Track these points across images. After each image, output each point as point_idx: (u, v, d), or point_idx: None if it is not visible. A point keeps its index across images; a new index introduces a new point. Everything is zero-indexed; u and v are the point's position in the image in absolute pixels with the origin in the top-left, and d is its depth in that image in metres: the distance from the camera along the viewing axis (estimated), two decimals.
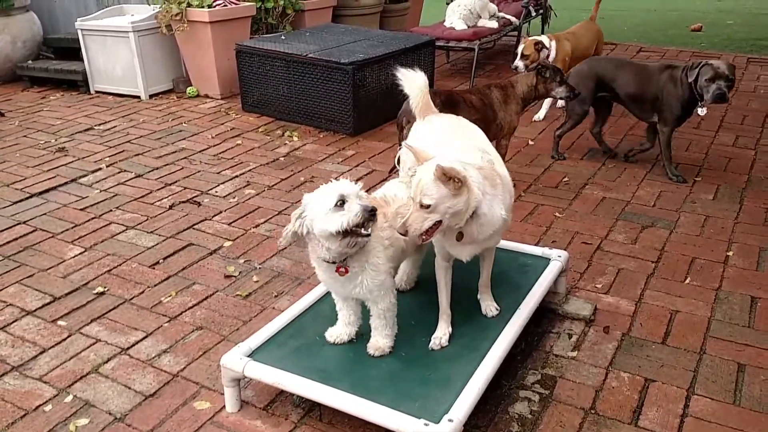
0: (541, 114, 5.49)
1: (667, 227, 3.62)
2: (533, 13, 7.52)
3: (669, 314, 2.86)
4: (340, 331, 2.40)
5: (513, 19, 7.13)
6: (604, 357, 2.59)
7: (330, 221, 1.99)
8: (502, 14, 7.06)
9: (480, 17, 6.80)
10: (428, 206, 1.98)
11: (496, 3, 7.46)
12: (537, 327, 2.76)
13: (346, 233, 2.00)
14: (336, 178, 2.14)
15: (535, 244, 3.26)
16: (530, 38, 5.27)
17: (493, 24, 6.83)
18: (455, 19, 6.72)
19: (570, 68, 4.96)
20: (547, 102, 5.45)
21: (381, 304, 2.25)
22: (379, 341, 2.32)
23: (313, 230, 2.05)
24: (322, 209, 2.01)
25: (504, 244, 3.00)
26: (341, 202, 2.00)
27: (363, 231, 2.02)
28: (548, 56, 5.26)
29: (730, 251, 3.35)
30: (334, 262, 2.13)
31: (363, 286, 2.16)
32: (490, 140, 2.67)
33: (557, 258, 2.83)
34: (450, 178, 1.96)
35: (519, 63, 5.11)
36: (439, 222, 2.02)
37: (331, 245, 2.05)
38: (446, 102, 3.69)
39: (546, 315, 2.83)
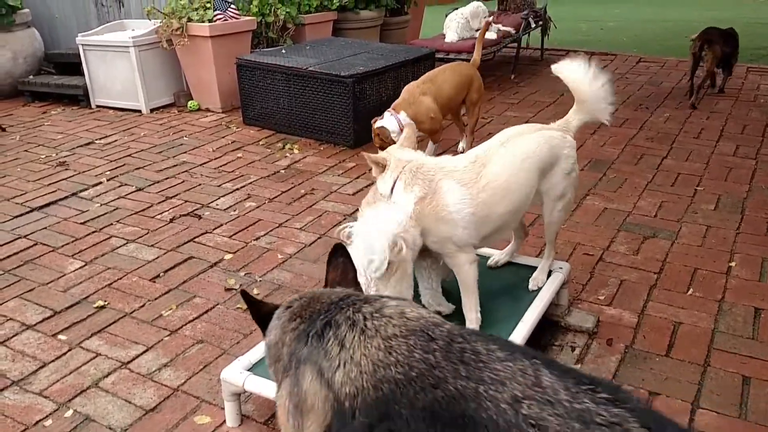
0: (464, 144, 4.94)
1: (669, 238, 3.61)
2: (533, 25, 7.57)
3: (672, 326, 2.84)
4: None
5: (512, 30, 7.17)
6: (608, 370, 2.57)
7: None
8: (500, 26, 7.10)
9: (478, 24, 6.82)
10: None
11: (495, 15, 7.52)
12: (539, 339, 2.74)
13: None
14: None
15: (537, 256, 3.25)
16: (375, 126, 4.45)
17: (492, 36, 6.85)
18: (450, 32, 6.76)
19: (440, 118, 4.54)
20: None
21: None
22: None
23: None
24: None
25: None
26: None
27: None
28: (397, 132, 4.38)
29: (733, 262, 3.34)
30: None
31: None
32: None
33: (558, 270, 2.82)
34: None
35: (382, 153, 4.73)
36: None
37: None
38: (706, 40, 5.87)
39: (548, 327, 2.82)
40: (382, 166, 2.42)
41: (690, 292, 3.09)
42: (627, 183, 4.37)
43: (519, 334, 2.43)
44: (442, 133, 4.82)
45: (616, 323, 2.87)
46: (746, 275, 3.21)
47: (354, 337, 1.29)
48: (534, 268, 2.84)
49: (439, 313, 2.53)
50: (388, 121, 4.41)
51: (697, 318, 2.89)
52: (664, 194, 4.18)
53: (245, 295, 1.54)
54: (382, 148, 4.43)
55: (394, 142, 4.49)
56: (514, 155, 2.42)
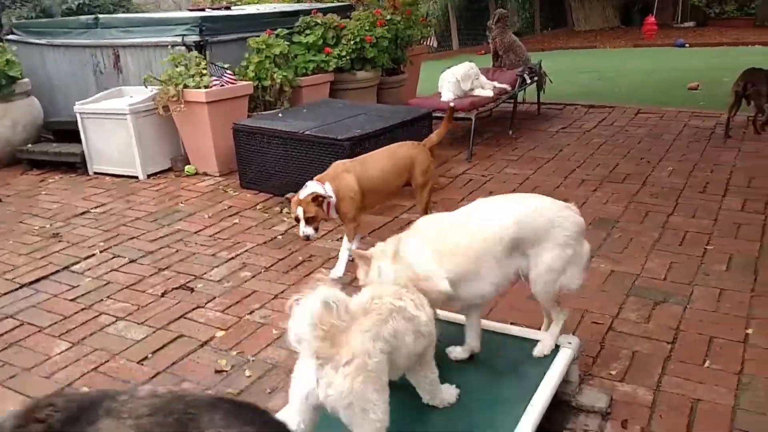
0: (338, 271, 3.99)
1: (681, 303, 3.45)
2: (528, 81, 7.58)
3: (690, 404, 2.66)
4: None
5: (508, 87, 7.17)
6: None
7: None
8: (496, 83, 7.10)
9: (470, 86, 6.79)
10: None
11: (491, 73, 7.54)
12: (548, 422, 2.56)
13: None
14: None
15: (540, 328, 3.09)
16: (302, 196, 3.76)
17: (488, 93, 6.85)
18: (445, 91, 6.74)
19: (361, 206, 3.99)
20: (344, 258, 4.04)
21: None
22: None
23: None
24: None
25: (506, 328, 2.87)
26: None
27: None
28: (329, 204, 3.88)
29: (750, 329, 3.16)
30: None
31: None
32: None
33: (567, 345, 2.67)
34: None
35: (308, 230, 3.76)
36: None
37: None
38: None
39: (558, 408, 2.64)
40: None
41: (707, 364, 2.92)
42: (633, 243, 4.23)
43: (529, 420, 2.26)
44: (361, 225, 4.19)
45: (630, 401, 2.69)
46: (765, 343, 3.04)
47: None
48: (536, 341, 2.71)
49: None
50: (316, 186, 3.84)
51: (716, 394, 2.71)
52: (672, 254, 4.03)
53: None
54: (309, 219, 3.74)
55: (323, 210, 3.75)
56: None
